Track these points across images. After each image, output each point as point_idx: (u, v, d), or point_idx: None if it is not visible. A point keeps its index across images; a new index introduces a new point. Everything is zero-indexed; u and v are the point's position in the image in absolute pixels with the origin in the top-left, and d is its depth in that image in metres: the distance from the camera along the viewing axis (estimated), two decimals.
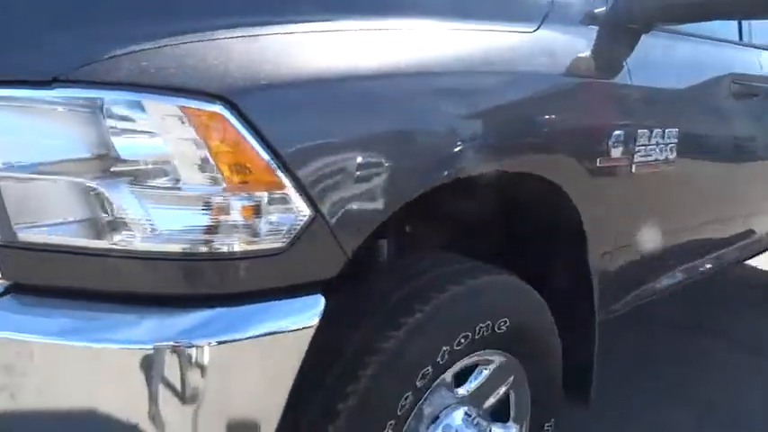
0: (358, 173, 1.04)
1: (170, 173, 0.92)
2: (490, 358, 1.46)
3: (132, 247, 0.93)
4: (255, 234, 0.97)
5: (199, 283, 0.96)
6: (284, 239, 0.99)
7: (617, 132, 1.61)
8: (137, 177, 0.92)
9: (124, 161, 0.92)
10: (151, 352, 0.93)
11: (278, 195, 0.97)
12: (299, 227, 0.99)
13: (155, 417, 0.94)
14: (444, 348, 1.27)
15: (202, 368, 0.94)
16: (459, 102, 1.22)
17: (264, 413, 1.01)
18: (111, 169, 0.92)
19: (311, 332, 1.02)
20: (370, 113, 1.08)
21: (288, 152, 0.96)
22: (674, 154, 1.86)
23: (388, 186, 1.08)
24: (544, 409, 1.64)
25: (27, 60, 0.92)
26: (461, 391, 1.44)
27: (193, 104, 0.91)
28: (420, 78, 1.16)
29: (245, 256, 0.97)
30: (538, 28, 1.49)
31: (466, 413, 1.45)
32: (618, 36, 1.69)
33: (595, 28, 1.65)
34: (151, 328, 0.94)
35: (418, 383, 1.24)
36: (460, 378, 1.45)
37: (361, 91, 1.06)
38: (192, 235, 0.94)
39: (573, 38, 1.57)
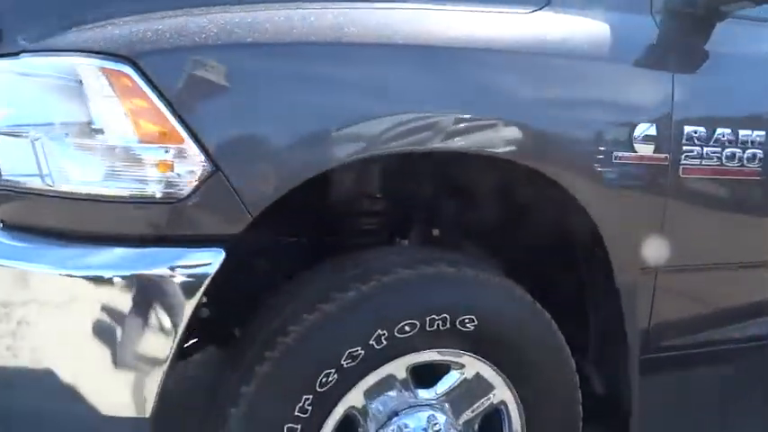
0: (266, 138, 1.10)
1: (94, 126, 1.08)
2: (459, 360, 1.34)
3: (64, 190, 1.10)
4: (159, 183, 1.07)
5: (108, 223, 1.09)
6: (184, 190, 1.07)
7: (644, 125, 1.41)
8: (70, 130, 1.09)
9: (61, 115, 1.09)
10: (67, 277, 1.08)
11: (178, 148, 1.06)
12: (197, 180, 1.07)
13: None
14: (380, 332, 1.22)
15: (113, 296, 1.07)
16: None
17: (154, 356, 1.08)
18: (52, 122, 1.10)
19: (206, 281, 1.07)
20: (281, 82, 1.12)
21: (188, 109, 1.06)
22: (757, 162, 1.55)
23: (296, 154, 1.11)
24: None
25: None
26: (424, 393, 1.35)
27: (107, 64, 1.06)
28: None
29: (147, 201, 1.07)
30: (540, 9, 1.40)
31: (431, 416, 1.34)
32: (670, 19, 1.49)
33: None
34: (67, 259, 1.09)
35: (344, 363, 1.20)
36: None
37: (266, 54, 1.12)
38: (103, 182, 1.07)
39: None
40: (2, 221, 1.20)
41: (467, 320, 1.29)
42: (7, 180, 1.15)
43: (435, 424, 1.34)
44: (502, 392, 1.40)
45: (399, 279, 1.26)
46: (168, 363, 1.09)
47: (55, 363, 1.10)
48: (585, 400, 1.67)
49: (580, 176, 1.37)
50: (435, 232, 1.70)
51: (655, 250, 1.49)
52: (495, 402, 1.40)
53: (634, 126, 1.39)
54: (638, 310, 1.52)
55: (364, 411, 1.30)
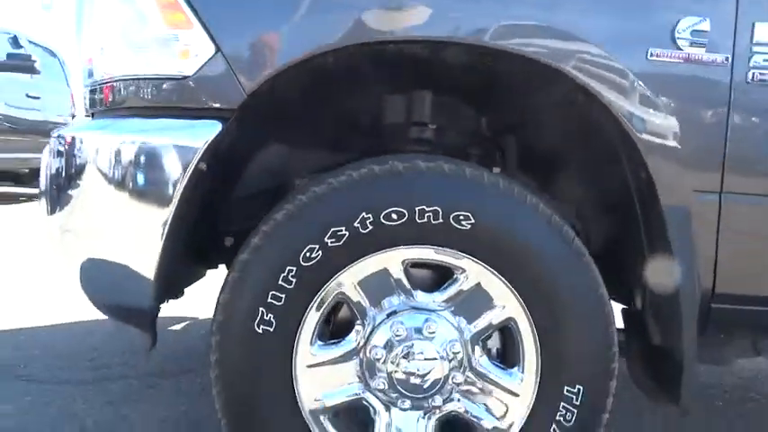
0: (260, 21, 1.23)
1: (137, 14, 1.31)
2: (459, 264, 1.29)
3: (117, 75, 1.35)
4: (172, 63, 1.26)
5: (130, 99, 1.31)
6: (191, 69, 1.25)
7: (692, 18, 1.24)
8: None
9: None
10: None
11: (189, 32, 1.24)
12: (202, 60, 1.24)
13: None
14: (365, 215, 1.24)
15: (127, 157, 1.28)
16: None
17: (160, 208, 1.25)
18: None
19: (204, 144, 1.23)
20: None
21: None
22: None
23: (284, 37, 1.22)
24: (563, 368, 1.30)
25: None
26: (424, 296, 1.32)
27: None
28: None
29: (164, 78, 1.27)
30: None
31: (428, 320, 1.32)
32: None
33: None
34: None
35: (328, 240, 1.25)
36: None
37: None
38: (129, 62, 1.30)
39: None
40: (92, 114, 1.50)
41: (461, 217, 1.25)
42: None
43: (431, 329, 1.31)
44: (510, 308, 1.31)
45: (391, 169, 1.27)
46: (172, 217, 1.25)
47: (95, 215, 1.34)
48: (642, 349, 1.49)
49: (605, 77, 1.25)
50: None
51: (712, 170, 1.28)
52: (502, 318, 1.32)
53: (676, 19, 1.24)
54: (695, 246, 1.30)
55: (361, 308, 1.32)
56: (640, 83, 1.25)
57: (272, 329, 1.27)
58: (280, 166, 1.71)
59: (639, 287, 1.45)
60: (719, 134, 1.27)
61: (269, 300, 1.26)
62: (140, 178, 1.27)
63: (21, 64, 6.13)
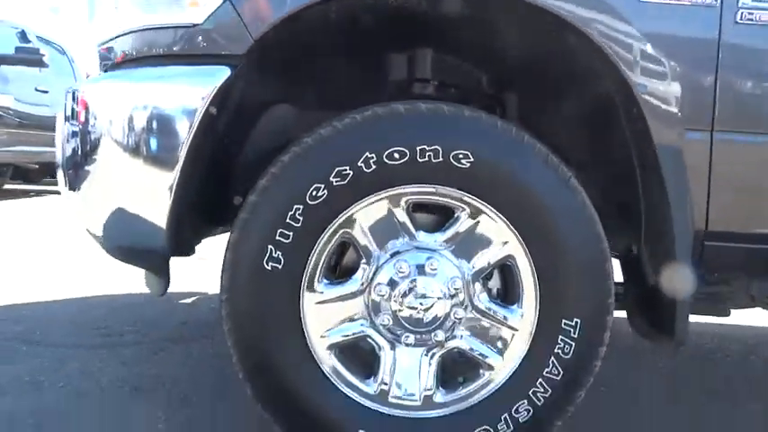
0: None
1: None
2: (460, 204, 1.34)
3: (130, 28, 1.41)
4: (186, 11, 1.32)
5: (146, 49, 1.37)
6: (202, 16, 1.31)
7: None
8: None
9: None
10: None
11: None
12: (213, 8, 1.30)
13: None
14: (369, 155, 1.30)
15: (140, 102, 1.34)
16: None
17: (171, 153, 1.32)
18: None
19: (214, 89, 1.29)
20: None
21: None
22: None
23: None
24: (560, 302, 1.35)
25: None
26: (426, 236, 1.37)
27: None
28: None
29: (177, 26, 1.33)
30: None
31: (430, 258, 1.37)
32: None
33: None
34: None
35: (333, 180, 1.30)
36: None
37: None
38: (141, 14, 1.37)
39: None
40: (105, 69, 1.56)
41: (461, 156, 1.30)
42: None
43: (433, 266, 1.36)
44: (509, 246, 1.36)
45: (393, 111, 1.33)
46: (185, 158, 1.30)
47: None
48: (639, 294, 1.54)
49: (598, 20, 1.30)
50: None
51: (703, 109, 1.33)
52: (501, 256, 1.37)
53: None
54: (688, 184, 1.35)
55: (365, 248, 1.37)
56: (632, 24, 1.30)
57: (280, 266, 1.32)
58: (287, 126, 1.76)
59: (636, 231, 1.50)
60: (710, 73, 1.32)
61: (277, 237, 1.31)
62: (153, 122, 1.33)
63: (29, 57, 6.21)
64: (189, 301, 2.95)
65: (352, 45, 1.59)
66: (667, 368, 2.32)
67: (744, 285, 1.72)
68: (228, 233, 1.37)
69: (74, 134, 1.45)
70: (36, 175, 8.46)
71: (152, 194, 1.35)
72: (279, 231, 1.31)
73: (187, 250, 1.69)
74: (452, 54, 1.68)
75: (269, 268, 1.32)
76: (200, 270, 3.53)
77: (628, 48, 1.31)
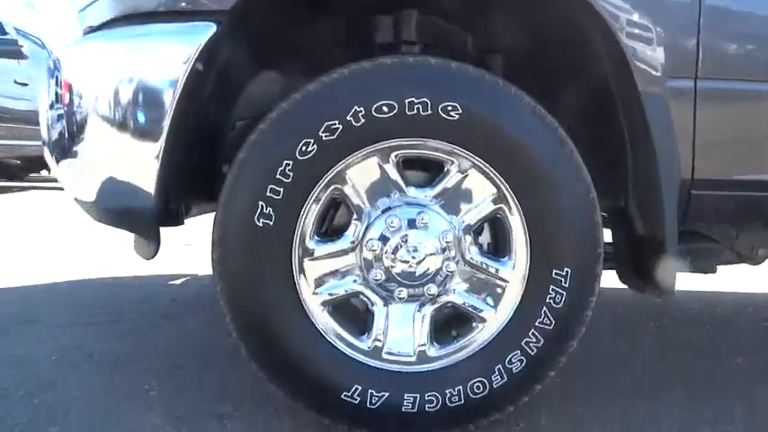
0: None
1: None
2: (449, 157, 1.35)
3: None
4: None
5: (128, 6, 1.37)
6: None
7: None
8: None
9: None
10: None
11: None
12: None
13: None
14: (357, 108, 1.30)
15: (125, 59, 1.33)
16: None
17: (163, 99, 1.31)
18: None
19: (200, 44, 1.28)
20: None
21: None
22: None
23: None
24: (551, 252, 1.37)
25: None
26: (417, 191, 1.38)
27: None
28: None
29: None
30: None
31: (421, 212, 1.37)
32: None
33: None
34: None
35: (322, 134, 1.30)
36: None
37: None
38: None
39: None
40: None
41: (449, 108, 1.31)
42: None
43: (424, 221, 1.37)
44: (499, 198, 1.37)
45: (380, 63, 1.33)
46: (173, 115, 1.30)
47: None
48: (628, 245, 1.56)
49: None
50: None
51: (686, 54, 1.34)
52: (491, 209, 1.38)
53: None
54: (673, 130, 1.37)
55: (356, 204, 1.38)
56: None
57: (271, 223, 1.32)
58: (274, 94, 1.75)
59: (623, 182, 1.51)
60: (693, 19, 1.33)
61: (268, 194, 1.31)
62: (139, 81, 1.32)
63: (7, 49, 6.12)
64: (178, 282, 2.94)
65: (338, 7, 1.58)
66: (656, 330, 2.36)
67: (729, 239, 1.75)
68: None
69: (57, 99, 1.43)
70: (18, 171, 8.35)
71: (140, 152, 1.34)
72: (269, 187, 1.31)
73: (176, 218, 1.68)
74: (438, 16, 1.68)
75: (260, 225, 1.32)
76: (188, 255, 3.53)
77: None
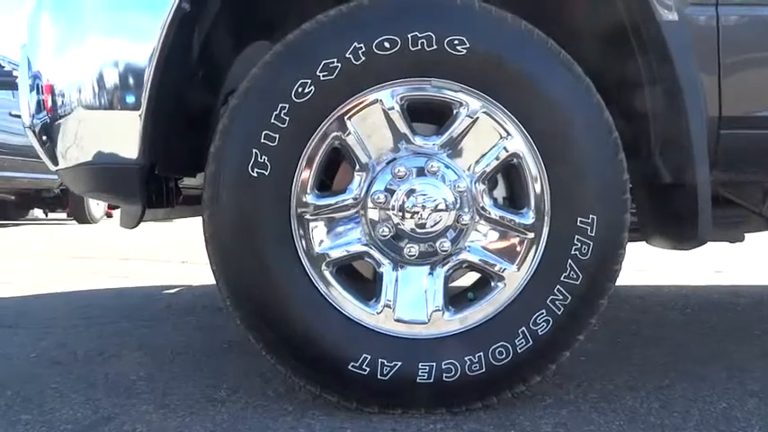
0: None
1: None
2: (457, 98, 1.24)
3: None
4: None
5: None
6: None
7: None
8: None
9: None
10: None
11: None
12: None
13: None
14: (357, 45, 1.19)
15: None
16: None
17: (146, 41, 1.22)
18: None
19: None
20: None
21: None
22: None
23: None
24: (573, 199, 1.25)
25: None
26: (422, 141, 1.26)
27: None
28: None
29: None
30: None
31: (428, 161, 1.26)
32: None
33: None
34: None
35: (320, 74, 1.20)
36: None
37: None
38: None
39: None
40: None
41: (456, 42, 1.20)
42: None
43: (433, 169, 1.25)
44: (514, 142, 1.26)
45: None
46: (155, 65, 1.20)
47: None
48: (654, 193, 1.44)
49: None
50: None
51: None
52: (507, 154, 1.26)
53: None
54: (697, 62, 1.26)
55: (361, 159, 1.26)
56: None
57: (266, 173, 1.20)
58: None
59: (646, 128, 1.40)
60: None
61: (262, 140, 1.20)
62: (124, 21, 1.23)
63: (2, 80, 6.09)
64: (172, 291, 2.79)
65: None
66: (682, 316, 2.22)
67: (757, 202, 1.63)
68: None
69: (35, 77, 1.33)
70: (14, 208, 8.26)
71: (124, 107, 1.24)
72: (264, 134, 1.20)
73: (165, 201, 1.56)
74: None
75: (254, 175, 1.20)
76: (183, 272, 3.40)
77: None
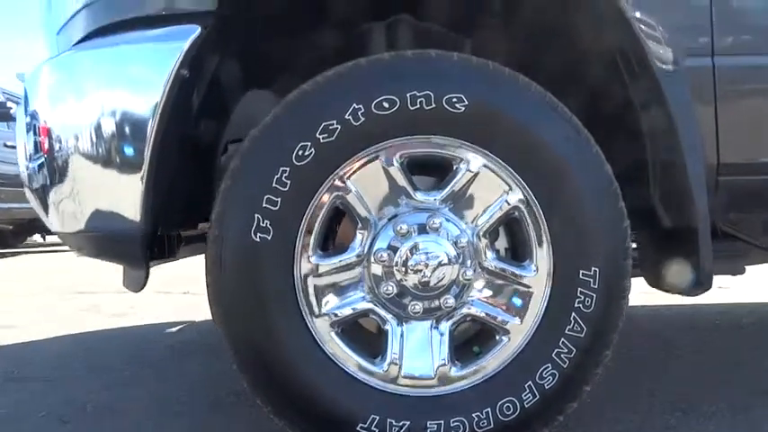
0: None
1: None
2: (458, 154, 1.25)
3: None
4: None
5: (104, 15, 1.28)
6: None
7: None
8: None
9: None
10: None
11: None
12: None
13: None
14: (356, 106, 1.20)
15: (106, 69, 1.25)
16: None
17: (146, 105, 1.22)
18: None
19: (184, 47, 1.20)
20: None
21: None
22: None
23: None
24: (575, 251, 1.25)
25: None
26: (423, 196, 1.27)
27: None
28: None
29: None
30: None
31: (431, 217, 1.26)
32: None
33: None
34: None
35: (320, 136, 1.20)
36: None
37: None
38: None
39: None
40: None
41: (454, 99, 1.21)
42: None
43: (435, 224, 1.26)
44: (515, 195, 1.26)
45: (378, 59, 1.24)
46: (155, 128, 1.20)
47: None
48: (655, 239, 1.44)
49: None
50: None
51: (702, 33, 1.27)
52: (507, 208, 1.27)
53: None
54: (695, 111, 1.28)
55: (363, 216, 1.26)
56: None
57: (269, 237, 1.21)
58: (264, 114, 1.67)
59: (646, 174, 1.41)
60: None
61: (264, 205, 1.20)
62: (121, 92, 1.23)
63: None
64: (174, 329, 2.79)
65: (329, 14, 1.51)
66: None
67: (757, 234, 1.64)
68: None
69: (34, 118, 1.34)
70: (11, 237, 8.25)
71: (124, 171, 1.24)
72: (265, 198, 1.20)
73: (168, 253, 1.56)
74: (434, 21, 1.61)
75: (257, 240, 1.20)
76: (185, 303, 3.39)
77: None
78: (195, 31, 1.21)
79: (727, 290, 3.18)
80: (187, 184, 1.47)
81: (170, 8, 1.24)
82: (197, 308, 3.04)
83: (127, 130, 1.22)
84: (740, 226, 1.63)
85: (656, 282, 1.51)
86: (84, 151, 1.27)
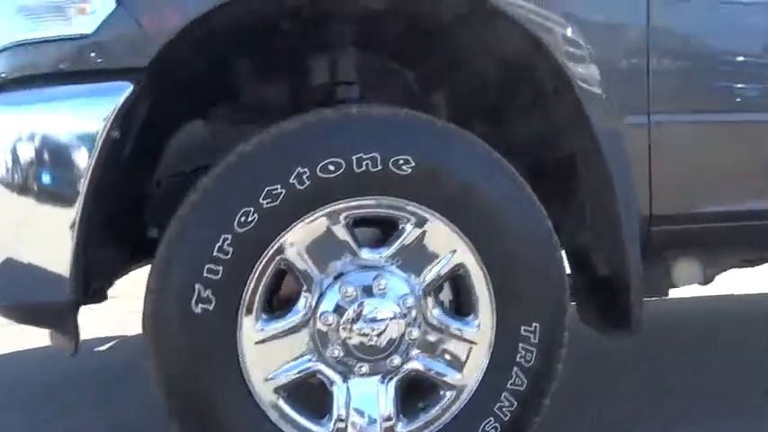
0: None
1: None
2: (402, 213, 1.24)
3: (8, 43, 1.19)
4: (72, 22, 1.13)
5: (30, 67, 1.16)
6: (93, 27, 1.12)
7: None
8: None
9: None
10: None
11: None
12: (104, 15, 1.12)
13: None
14: (300, 170, 1.16)
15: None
16: None
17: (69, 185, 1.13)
18: None
19: (114, 108, 1.11)
20: None
21: None
22: None
23: None
24: (517, 308, 1.28)
25: None
26: (370, 253, 1.25)
27: None
28: None
29: (63, 39, 1.13)
30: None
31: (377, 277, 1.25)
32: None
33: None
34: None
35: (263, 202, 1.16)
36: None
37: None
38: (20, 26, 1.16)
39: None
40: None
41: (401, 161, 1.20)
42: None
43: (381, 286, 1.25)
44: (459, 253, 1.27)
45: (323, 118, 1.20)
46: (86, 191, 1.12)
47: None
48: (590, 288, 1.49)
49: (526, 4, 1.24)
50: None
51: (638, 93, 1.30)
52: (452, 265, 1.28)
53: None
54: (632, 169, 1.32)
55: (305, 274, 1.24)
56: (564, 11, 1.25)
57: (211, 307, 1.16)
58: (204, 145, 1.60)
59: (582, 224, 1.45)
60: (642, 57, 1.29)
61: (205, 274, 1.15)
62: (45, 155, 1.13)
63: None
64: (104, 348, 2.66)
65: (269, 50, 1.45)
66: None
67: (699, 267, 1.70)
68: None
69: None
70: None
71: (51, 238, 1.15)
72: (206, 267, 1.15)
73: (98, 297, 1.49)
74: (377, 53, 1.58)
75: (198, 311, 1.16)
76: (112, 309, 3.23)
77: (562, 36, 1.26)
78: (126, 89, 1.13)
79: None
80: (117, 235, 1.39)
81: (99, 64, 1.14)
82: (128, 318, 2.91)
83: (55, 200, 1.13)
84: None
85: (588, 320, 1.57)
86: (8, 216, 1.17)
